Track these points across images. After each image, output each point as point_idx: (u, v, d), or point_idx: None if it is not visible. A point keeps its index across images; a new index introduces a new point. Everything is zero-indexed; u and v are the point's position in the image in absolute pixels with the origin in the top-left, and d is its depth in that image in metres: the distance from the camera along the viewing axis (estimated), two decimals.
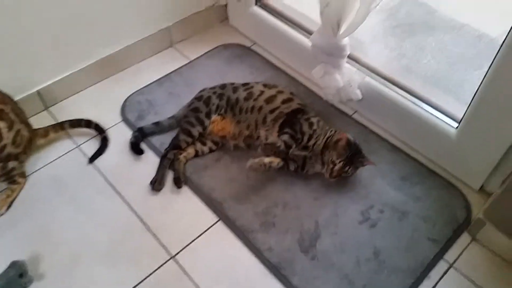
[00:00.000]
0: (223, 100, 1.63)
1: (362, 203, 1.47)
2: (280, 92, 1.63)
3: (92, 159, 1.65)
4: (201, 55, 2.04)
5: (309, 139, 1.49)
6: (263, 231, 1.41)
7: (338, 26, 1.49)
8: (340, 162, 1.43)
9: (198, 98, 1.68)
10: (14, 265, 1.31)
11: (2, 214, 1.50)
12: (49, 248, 1.41)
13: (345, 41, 1.55)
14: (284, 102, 1.58)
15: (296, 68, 1.95)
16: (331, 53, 1.58)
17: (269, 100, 1.59)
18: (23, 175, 1.58)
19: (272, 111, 1.56)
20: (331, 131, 1.52)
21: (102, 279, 1.34)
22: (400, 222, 1.42)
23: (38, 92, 1.77)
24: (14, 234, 1.44)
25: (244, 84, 1.69)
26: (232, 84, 1.70)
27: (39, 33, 1.64)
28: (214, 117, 1.62)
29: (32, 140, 1.59)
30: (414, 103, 1.58)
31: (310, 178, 1.55)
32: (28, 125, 1.58)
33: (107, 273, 1.35)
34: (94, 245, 1.42)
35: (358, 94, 1.64)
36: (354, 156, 1.44)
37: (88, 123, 1.72)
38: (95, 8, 1.74)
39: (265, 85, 1.67)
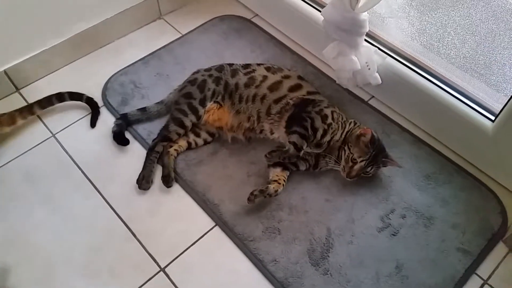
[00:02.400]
0: (220, 85, 1.41)
1: (382, 206, 1.28)
2: (287, 77, 1.41)
3: (93, 124, 1.50)
4: (194, 29, 1.81)
5: (323, 135, 1.29)
6: (266, 239, 1.23)
7: None
8: (362, 161, 1.24)
9: (191, 81, 1.46)
10: None
11: None
12: (20, 257, 1.24)
13: (364, 15, 1.32)
14: (291, 89, 1.37)
15: (304, 45, 1.73)
16: (347, 30, 1.35)
17: (274, 87, 1.38)
18: None
19: (277, 101, 1.35)
20: (350, 123, 1.32)
21: None
22: (425, 230, 1.23)
23: (5, 72, 1.58)
24: None
25: (245, 67, 1.47)
26: (231, 65, 1.48)
27: (2, 4, 1.42)
28: (210, 105, 1.41)
29: None
30: (443, 89, 1.37)
31: (320, 175, 1.36)
32: None
33: None
34: (71, 253, 1.25)
35: (377, 78, 1.42)
36: (377, 155, 1.24)
37: (60, 97, 1.52)
38: None
39: (268, 69, 1.44)
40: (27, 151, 1.45)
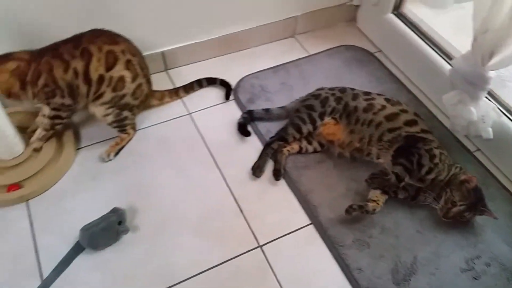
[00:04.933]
0: (340, 104, 1.58)
1: (469, 250, 1.35)
2: (404, 111, 1.52)
3: (227, 97, 1.79)
4: (321, 52, 2.00)
5: (428, 173, 1.37)
6: (355, 249, 1.35)
7: (490, 56, 1.36)
8: (461, 205, 1.32)
9: (315, 95, 1.63)
10: (116, 211, 1.38)
11: (110, 160, 1.59)
12: (145, 204, 1.46)
13: (491, 73, 1.42)
14: (407, 123, 1.47)
15: (422, 87, 1.83)
16: (473, 83, 1.45)
17: (391, 117, 1.49)
18: (134, 128, 1.66)
19: (391, 131, 1.46)
20: (456, 167, 1.40)
21: (188, 248, 1.36)
22: (507, 283, 1.29)
23: (163, 53, 1.85)
24: (117, 182, 1.52)
25: (365, 93, 1.61)
26: (352, 90, 1.63)
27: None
28: (328, 119, 1.57)
29: (148, 98, 1.66)
30: None
31: (416, 207, 1.45)
32: (149, 81, 1.64)
33: (194, 244, 1.37)
34: (186, 214, 1.45)
35: (489, 132, 1.50)
36: (477, 203, 1.32)
37: (199, 83, 1.81)
38: None
39: (387, 100, 1.57)
40: (165, 121, 1.71)
